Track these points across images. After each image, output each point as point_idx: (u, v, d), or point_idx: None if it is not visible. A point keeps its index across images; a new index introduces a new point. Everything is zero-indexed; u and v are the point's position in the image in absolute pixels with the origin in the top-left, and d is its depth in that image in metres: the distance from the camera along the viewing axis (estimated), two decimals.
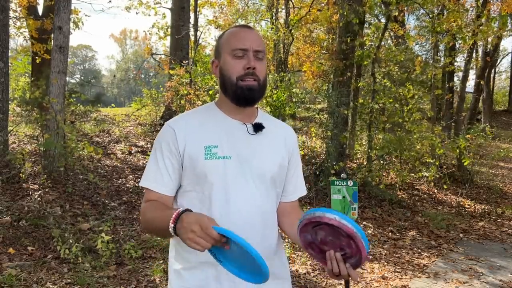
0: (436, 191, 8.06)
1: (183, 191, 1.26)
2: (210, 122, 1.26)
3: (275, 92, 7.34)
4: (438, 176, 7.89)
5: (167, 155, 1.23)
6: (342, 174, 3.04)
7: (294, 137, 1.40)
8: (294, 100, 7.59)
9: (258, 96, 1.23)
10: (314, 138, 8.43)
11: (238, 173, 1.21)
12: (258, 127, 1.27)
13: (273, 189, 1.30)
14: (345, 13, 7.21)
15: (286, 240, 4.43)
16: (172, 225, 1.00)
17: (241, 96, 1.21)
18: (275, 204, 1.33)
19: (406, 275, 4.02)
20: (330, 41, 11.23)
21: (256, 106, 1.34)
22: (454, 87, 12.91)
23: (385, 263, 4.34)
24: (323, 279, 3.83)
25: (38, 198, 4.60)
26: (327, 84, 10.49)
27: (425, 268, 4.27)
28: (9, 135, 5.64)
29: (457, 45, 12.47)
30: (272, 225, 1.31)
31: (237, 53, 1.21)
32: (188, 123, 1.26)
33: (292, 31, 11.18)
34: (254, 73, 1.20)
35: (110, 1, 10.98)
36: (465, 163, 7.63)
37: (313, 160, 7.49)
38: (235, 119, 1.27)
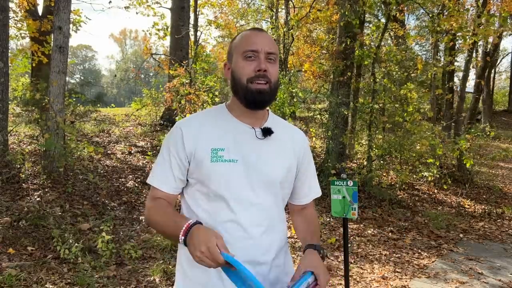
0: (436, 191, 8.06)
1: (190, 190, 1.28)
2: (219, 124, 1.27)
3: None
4: (438, 176, 7.88)
5: (174, 155, 1.24)
6: (342, 174, 3.03)
7: (304, 141, 1.40)
8: (295, 100, 7.59)
9: (269, 99, 1.23)
10: (314, 138, 8.43)
11: (243, 177, 1.22)
12: (266, 132, 1.27)
13: (280, 193, 1.31)
14: (346, 13, 7.21)
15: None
16: (183, 238, 1.05)
17: (251, 99, 1.21)
18: (282, 209, 1.34)
19: (406, 275, 4.02)
20: (330, 41, 11.23)
21: (266, 108, 1.35)
22: (454, 87, 12.90)
23: (385, 263, 4.34)
24: None
25: (38, 198, 4.60)
26: (328, 84, 10.47)
27: (425, 268, 4.26)
28: (9, 135, 5.64)
29: (457, 45, 12.45)
30: (279, 229, 1.31)
31: (248, 55, 1.21)
32: (197, 124, 1.26)
33: (292, 31, 11.18)
34: (265, 75, 1.20)
35: (110, 1, 10.96)
36: (467, 165, 7.62)
37: (313, 160, 7.47)
38: (245, 123, 1.27)
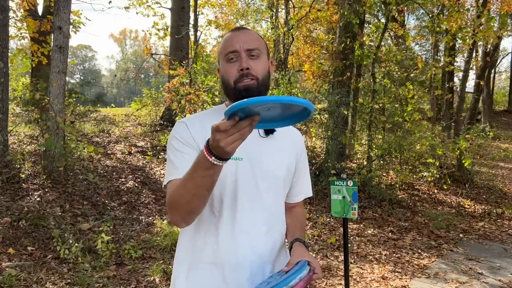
0: (436, 191, 8.06)
1: None
2: None
3: (275, 91, 7.34)
4: (438, 176, 7.89)
5: (181, 148, 1.20)
6: (342, 174, 3.04)
7: (302, 141, 1.43)
8: None
9: (257, 94, 1.22)
10: (314, 138, 8.42)
11: (248, 175, 1.22)
12: (269, 130, 1.28)
13: (283, 192, 1.33)
14: (345, 13, 7.21)
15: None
16: (212, 158, 0.96)
17: (239, 97, 1.17)
18: (283, 208, 1.36)
19: (406, 275, 4.02)
20: (330, 41, 11.24)
21: None
22: (454, 87, 12.91)
23: (385, 263, 4.34)
24: (323, 279, 3.83)
25: (38, 198, 4.60)
26: (327, 84, 10.47)
27: (425, 268, 4.27)
28: (9, 135, 5.64)
29: (457, 45, 12.45)
30: (280, 227, 1.32)
31: (230, 57, 1.22)
32: (201, 122, 1.25)
33: (292, 31, 11.18)
34: (249, 73, 1.20)
35: (110, 1, 10.96)
36: (466, 164, 7.63)
37: (313, 160, 7.49)
38: None
